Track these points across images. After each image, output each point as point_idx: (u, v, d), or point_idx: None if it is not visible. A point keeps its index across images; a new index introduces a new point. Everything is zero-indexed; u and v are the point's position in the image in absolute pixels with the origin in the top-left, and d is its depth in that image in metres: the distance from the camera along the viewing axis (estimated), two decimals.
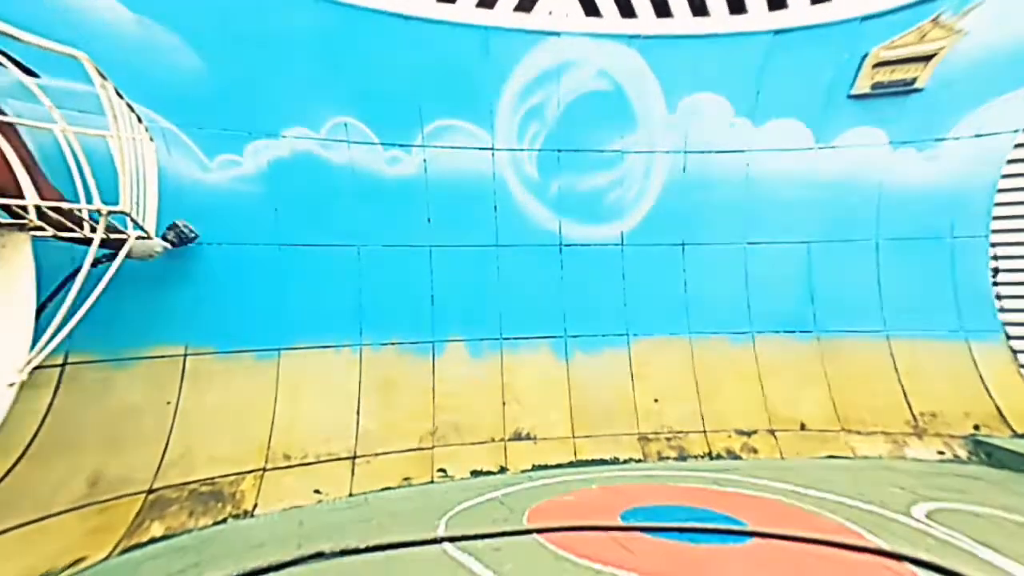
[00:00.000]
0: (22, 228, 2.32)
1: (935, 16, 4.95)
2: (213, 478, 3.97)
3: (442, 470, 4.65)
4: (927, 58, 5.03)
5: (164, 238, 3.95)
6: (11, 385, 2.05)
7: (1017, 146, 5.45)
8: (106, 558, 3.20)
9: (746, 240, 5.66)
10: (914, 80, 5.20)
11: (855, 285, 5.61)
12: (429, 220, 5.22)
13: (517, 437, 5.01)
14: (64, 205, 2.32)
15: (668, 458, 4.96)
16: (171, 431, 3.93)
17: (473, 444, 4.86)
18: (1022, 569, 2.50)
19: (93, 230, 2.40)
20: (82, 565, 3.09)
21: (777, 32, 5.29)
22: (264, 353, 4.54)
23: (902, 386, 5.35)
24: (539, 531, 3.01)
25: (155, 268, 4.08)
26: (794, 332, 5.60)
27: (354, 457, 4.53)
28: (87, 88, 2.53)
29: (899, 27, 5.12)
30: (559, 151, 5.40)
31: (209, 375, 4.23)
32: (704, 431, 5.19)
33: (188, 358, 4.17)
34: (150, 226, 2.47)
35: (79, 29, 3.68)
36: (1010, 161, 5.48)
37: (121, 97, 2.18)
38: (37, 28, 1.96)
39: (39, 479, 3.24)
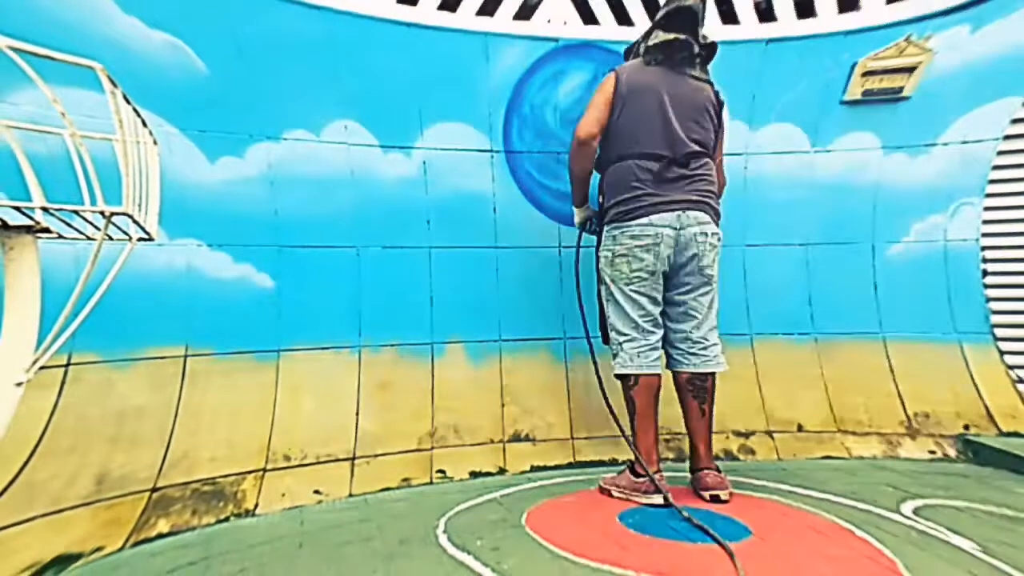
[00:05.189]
0: (29, 230, 2.35)
1: (907, 36, 5.21)
2: (215, 478, 3.99)
3: (441, 471, 4.66)
4: (910, 69, 5.23)
5: None
6: (19, 385, 2.08)
7: (1000, 153, 5.57)
8: (120, 549, 3.29)
9: (744, 242, 5.70)
10: (901, 88, 5.40)
11: (852, 287, 5.67)
12: (428, 222, 5.26)
13: (516, 438, 5.02)
14: (68, 207, 2.35)
15: (667, 459, 4.98)
16: (172, 431, 3.96)
17: (472, 445, 4.88)
18: (983, 553, 2.63)
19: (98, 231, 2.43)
20: (102, 553, 3.20)
21: (769, 41, 5.37)
22: (264, 355, 4.57)
23: (897, 387, 5.39)
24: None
25: (156, 269, 4.12)
26: (792, 334, 5.63)
27: (353, 458, 4.54)
28: (93, 93, 2.55)
29: (880, 42, 5.31)
30: (558, 154, 5.44)
31: (209, 376, 4.26)
32: None
33: (188, 359, 4.19)
34: (152, 228, 2.50)
35: (85, 36, 3.73)
36: (995, 167, 5.60)
37: (128, 102, 2.22)
38: (44, 38, 2.01)
39: (51, 475, 3.34)
